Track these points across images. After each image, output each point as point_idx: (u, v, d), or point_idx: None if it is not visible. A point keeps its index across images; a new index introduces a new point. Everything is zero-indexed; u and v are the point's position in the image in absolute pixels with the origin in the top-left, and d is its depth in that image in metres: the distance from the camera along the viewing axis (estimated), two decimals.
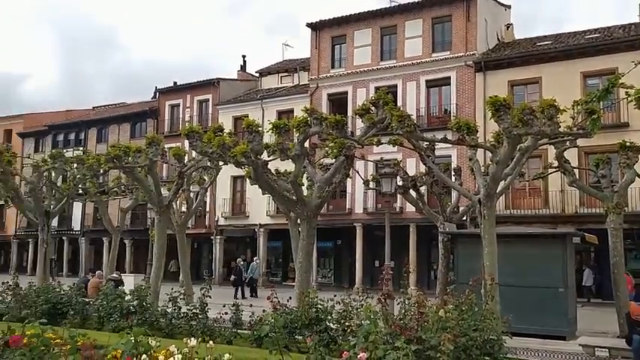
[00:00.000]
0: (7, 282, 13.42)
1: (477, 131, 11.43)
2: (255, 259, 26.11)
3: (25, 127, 45.44)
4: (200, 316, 10.30)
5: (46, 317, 9.18)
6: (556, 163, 14.96)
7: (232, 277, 24.47)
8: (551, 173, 17.45)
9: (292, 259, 25.61)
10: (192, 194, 23.04)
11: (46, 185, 19.13)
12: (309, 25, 31.17)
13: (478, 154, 13.04)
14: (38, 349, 4.63)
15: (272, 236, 31.41)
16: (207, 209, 33.26)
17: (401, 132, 11.01)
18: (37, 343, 4.67)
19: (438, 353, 5.22)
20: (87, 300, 12.19)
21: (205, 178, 22.21)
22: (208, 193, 27.55)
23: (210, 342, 4.27)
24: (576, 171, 15.83)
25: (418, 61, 27.92)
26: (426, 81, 27.88)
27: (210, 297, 10.53)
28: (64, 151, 26.01)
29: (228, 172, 24.94)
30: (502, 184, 11.80)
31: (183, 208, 24.96)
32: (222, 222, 33.11)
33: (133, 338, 4.16)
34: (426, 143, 14.02)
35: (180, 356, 3.84)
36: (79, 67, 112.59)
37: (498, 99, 9.99)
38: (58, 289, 12.17)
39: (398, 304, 6.99)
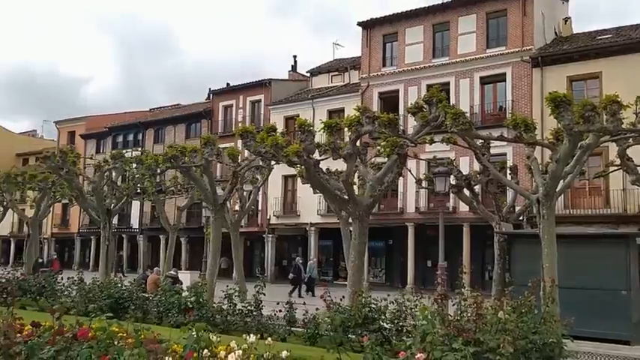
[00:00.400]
0: (73, 277, 14.08)
1: (535, 128, 11.11)
2: (312, 257, 26.17)
3: (87, 129, 47.38)
4: (255, 313, 10.46)
5: (108, 311, 9.56)
6: (618, 161, 14.36)
7: (291, 276, 24.63)
8: (612, 171, 16.78)
9: (343, 258, 25.67)
10: (244, 193, 23.45)
11: (107, 184, 19.88)
12: (359, 23, 31.11)
13: (536, 152, 12.69)
14: (105, 342, 4.81)
15: (323, 235, 31.54)
16: (260, 208, 33.74)
17: (456, 130, 10.83)
18: (104, 337, 4.86)
19: (497, 356, 5.10)
20: (146, 295, 12.59)
21: (258, 177, 22.56)
22: (260, 192, 27.95)
23: (269, 338, 4.34)
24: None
25: (472, 57, 27.39)
26: (480, 77, 27.31)
27: (264, 294, 10.69)
28: (125, 151, 26.92)
29: (279, 171, 25.26)
30: (561, 182, 11.42)
31: (237, 207, 25.46)
32: (273, 221, 33.51)
33: (194, 333, 4.28)
34: (480, 141, 13.75)
35: (240, 352, 3.92)
36: (136, 70, 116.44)
37: (558, 95, 9.67)
38: (119, 285, 12.62)
39: (453, 304, 6.89)
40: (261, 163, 19.26)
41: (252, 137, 13.97)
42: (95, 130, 46.51)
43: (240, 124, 35.54)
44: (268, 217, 33.69)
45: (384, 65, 30.51)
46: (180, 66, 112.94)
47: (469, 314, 6.14)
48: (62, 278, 14.84)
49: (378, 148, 14.81)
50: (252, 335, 4.23)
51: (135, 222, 41.37)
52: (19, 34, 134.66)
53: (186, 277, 19.96)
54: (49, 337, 5.16)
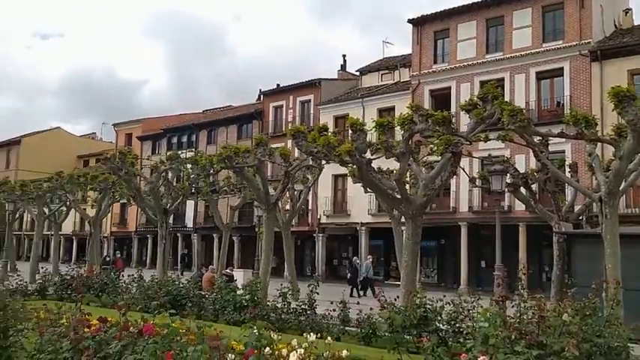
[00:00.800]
0: (132, 275, 14.56)
1: (597, 124, 10.71)
2: (368, 257, 26.03)
3: (143, 131, 48.88)
4: (309, 312, 10.53)
5: (167, 308, 9.82)
6: None
7: (348, 276, 24.60)
8: None
9: (394, 258, 25.46)
10: (295, 193, 23.63)
11: (163, 185, 20.45)
12: (410, 21, 30.79)
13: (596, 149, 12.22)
14: (168, 338, 4.95)
15: (373, 235, 31.40)
16: (310, 207, 33.92)
17: (513, 127, 10.56)
18: (167, 333, 5.01)
19: (561, 359, 4.95)
20: (203, 293, 12.87)
21: (309, 177, 22.68)
22: (310, 192, 28.08)
23: (329, 338, 4.35)
24: None
25: (527, 52, 26.63)
26: (536, 73, 26.53)
27: (317, 293, 10.75)
28: (180, 152, 27.65)
29: (329, 170, 25.30)
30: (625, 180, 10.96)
31: (287, 207, 25.69)
32: (324, 220, 33.61)
33: (256, 331, 4.34)
34: (538, 138, 13.35)
35: (302, 350, 3.95)
36: (189, 72, 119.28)
37: (621, 89, 9.29)
38: (177, 282, 12.95)
39: (512, 306, 6.73)
40: (311, 163, 19.36)
41: (303, 137, 14.04)
42: (151, 132, 47.93)
43: (290, 124, 35.86)
44: (319, 217, 33.82)
45: (435, 62, 30.08)
46: (232, 67, 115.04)
47: (530, 316, 5.98)
48: (123, 276, 15.39)
49: (431, 146, 14.62)
50: (311, 334, 4.25)
51: (189, 221, 42.37)
52: (79, 40, 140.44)
53: (239, 276, 20.28)
54: (116, 333, 5.36)
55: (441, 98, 28.93)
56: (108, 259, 26.76)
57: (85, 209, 31.43)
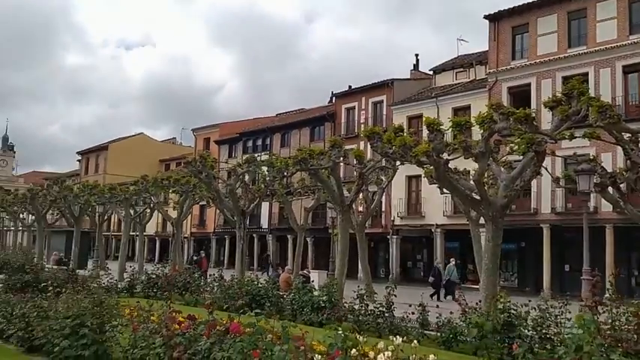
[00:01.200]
0: (213, 274, 15.05)
1: None
2: (451, 260, 25.50)
3: (220, 135, 50.46)
4: (387, 315, 10.46)
5: (251, 308, 10.09)
6: None
7: (431, 279, 24.21)
8: None
9: (471, 260, 24.79)
10: (368, 194, 23.55)
11: (241, 187, 21.00)
12: (486, 16, 29.93)
13: None
14: (254, 337, 5.08)
15: (449, 236, 30.74)
16: (383, 209, 33.69)
17: (602, 124, 10.01)
18: (253, 332, 5.14)
19: None
20: (281, 293, 13.09)
21: (382, 178, 22.56)
22: (384, 193, 27.88)
23: (415, 341, 4.30)
24: None
25: (613, 45, 25.17)
26: (623, 66, 25.02)
27: (395, 296, 10.66)
28: (257, 155, 28.31)
29: (403, 172, 25.00)
30: None
31: (360, 208, 25.67)
32: (397, 222, 33.27)
33: (341, 332, 4.37)
34: (628, 135, 12.59)
35: (389, 353, 3.93)
36: (262, 76, 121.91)
37: None
38: (255, 282, 13.26)
39: (602, 312, 6.38)
40: (384, 164, 19.24)
41: (378, 138, 14.00)
42: (227, 136, 49.36)
43: (362, 126, 35.79)
44: (392, 218, 33.53)
45: (513, 58, 29.06)
46: (304, 70, 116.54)
47: (625, 323, 5.65)
48: (208, 276, 15.86)
49: (511, 145, 14.14)
50: (397, 337, 4.22)
51: (264, 222, 43.25)
52: (159, 50, 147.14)
53: (314, 277, 20.47)
54: (204, 330, 5.57)
55: (520, 95, 27.90)
56: (195, 258, 27.77)
57: (167, 211, 32.83)
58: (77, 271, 16.70)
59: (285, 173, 20.56)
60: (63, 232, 39.39)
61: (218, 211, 37.72)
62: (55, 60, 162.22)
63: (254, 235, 42.90)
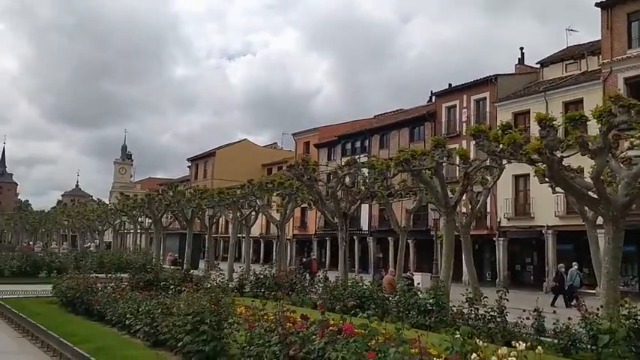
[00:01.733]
0: (318, 275, 15.30)
1: None
2: (573, 264, 24.10)
3: (319, 139, 51.26)
4: (499, 319, 10.07)
5: (357, 309, 10.16)
6: None
7: (552, 284, 23.02)
8: None
9: (587, 264, 23.21)
10: (473, 195, 22.81)
11: (342, 189, 21.19)
12: (598, 4, 27.98)
13: None
14: (368, 338, 5.10)
15: (561, 238, 28.99)
16: (488, 210, 32.49)
17: None
18: (367, 333, 5.15)
19: None
20: (386, 295, 13.03)
21: (488, 177, 21.77)
22: (489, 194, 26.89)
23: (539, 347, 4.10)
24: None
25: None
26: None
27: (507, 300, 10.25)
28: (357, 157, 28.44)
29: (509, 171, 23.94)
30: None
31: (464, 209, 24.89)
32: (504, 223, 31.93)
33: (459, 336, 4.27)
34: None
35: (514, 359, 3.78)
36: (358, 78, 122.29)
37: None
38: (360, 284, 13.30)
39: None
40: (488, 163, 18.54)
41: (485, 136, 13.54)
42: (326, 140, 50.02)
43: (464, 125, 34.78)
44: (498, 220, 32.24)
45: (629, 47, 26.90)
46: (400, 70, 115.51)
47: None
48: (320, 278, 16.00)
49: (631, 140, 13.15)
50: (520, 343, 4.04)
51: (364, 224, 43.29)
52: (259, 58, 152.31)
53: (417, 279, 20.19)
54: (318, 330, 5.67)
55: (638, 86, 25.77)
56: (304, 260, 28.43)
57: (270, 213, 33.86)
58: (191, 271, 17.69)
59: (387, 175, 20.47)
60: (176, 234, 41.92)
61: (319, 213, 38.32)
62: (166, 73, 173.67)
63: (354, 237, 43.07)
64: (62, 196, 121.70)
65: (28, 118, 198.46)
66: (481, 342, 4.26)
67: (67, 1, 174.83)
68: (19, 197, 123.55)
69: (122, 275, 13.89)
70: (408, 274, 19.17)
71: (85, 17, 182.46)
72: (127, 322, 9.46)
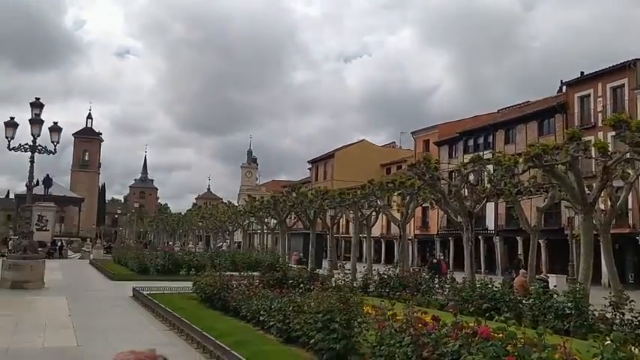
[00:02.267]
0: (445, 277, 14.96)
1: None
2: None
3: (439, 136, 50.14)
4: None
5: (486, 312, 9.77)
6: None
7: None
8: None
9: None
10: (613, 190, 20.98)
11: (466, 187, 20.51)
12: None
13: None
14: (506, 342, 4.89)
15: None
16: (630, 206, 29.74)
17: None
18: (505, 337, 4.95)
19: None
20: (519, 298, 12.43)
21: (630, 171, 19.92)
22: (631, 189, 24.56)
23: None
24: None
25: None
26: None
27: None
28: (483, 154, 27.43)
29: None
30: None
31: (602, 206, 22.96)
32: None
33: (612, 343, 3.96)
34: None
35: None
36: (478, 72, 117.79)
37: None
38: (490, 286, 12.80)
39: None
40: (629, 156, 16.94)
41: (626, 126, 12.44)
42: (446, 137, 48.78)
43: (599, 115, 32.15)
44: None
45: None
46: (524, 61, 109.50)
47: None
48: (452, 279, 15.68)
49: None
50: None
51: (490, 223, 41.62)
52: (376, 59, 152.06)
53: (552, 281, 19.00)
54: (451, 332, 5.55)
55: None
56: (435, 261, 28.10)
57: (391, 213, 33.68)
58: (316, 270, 18.13)
59: (515, 171, 19.45)
60: (300, 234, 43.22)
61: (441, 212, 37.45)
62: (287, 78, 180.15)
63: (480, 236, 41.53)
64: (196, 199, 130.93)
65: (165, 127, 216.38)
66: (636, 350, 3.91)
67: (196, 18, 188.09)
68: (159, 201, 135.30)
69: (253, 273, 14.58)
70: (542, 275, 18.05)
71: (212, 31, 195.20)
72: (261, 318, 9.91)
